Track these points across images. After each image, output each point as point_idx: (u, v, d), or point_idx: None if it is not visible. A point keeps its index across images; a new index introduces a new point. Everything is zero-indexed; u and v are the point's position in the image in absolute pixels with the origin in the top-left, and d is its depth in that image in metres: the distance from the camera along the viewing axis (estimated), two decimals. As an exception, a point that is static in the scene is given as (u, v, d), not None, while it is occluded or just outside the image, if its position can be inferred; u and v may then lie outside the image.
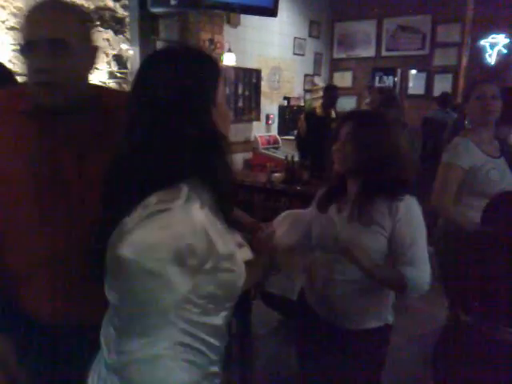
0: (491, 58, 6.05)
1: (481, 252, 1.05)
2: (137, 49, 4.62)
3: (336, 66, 7.37)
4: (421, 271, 1.39)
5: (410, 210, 1.43)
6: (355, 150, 1.45)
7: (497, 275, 0.99)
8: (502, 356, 1.00)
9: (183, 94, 0.88)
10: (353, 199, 1.48)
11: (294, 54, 6.75)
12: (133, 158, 0.88)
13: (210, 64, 0.94)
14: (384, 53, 6.79)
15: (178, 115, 0.87)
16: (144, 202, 0.83)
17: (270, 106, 6.42)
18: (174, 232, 0.81)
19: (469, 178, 2.14)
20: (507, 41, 5.93)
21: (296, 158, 4.44)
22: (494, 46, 6.04)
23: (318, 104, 5.03)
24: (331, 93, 4.66)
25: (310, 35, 6.97)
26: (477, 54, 6.04)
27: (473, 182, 2.13)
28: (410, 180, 1.48)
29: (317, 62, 7.22)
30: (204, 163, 0.88)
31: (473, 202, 2.10)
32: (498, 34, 5.94)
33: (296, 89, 6.92)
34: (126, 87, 4.61)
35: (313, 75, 7.16)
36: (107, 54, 4.50)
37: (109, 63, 4.55)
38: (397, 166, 1.44)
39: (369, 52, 6.91)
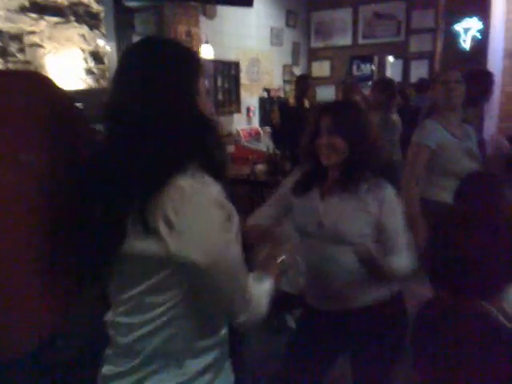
0: (465, 43, 6.14)
1: (452, 228, 1.08)
2: (113, 44, 4.56)
3: (314, 55, 7.39)
4: (405, 259, 1.46)
5: (393, 199, 1.49)
6: (344, 143, 1.47)
7: (469, 251, 1.03)
8: (474, 329, 1.04)
9: (167, 86, 0.90)
10: (339, 185, 1.50)
11: (272, 44, 6.76)
12: (127, 151, 0.89)
13: (190, 54, 0.98)
14: (361, 41, 6.84)
15: (167, 106, 0.89)
16: (167, 193, 0.86)
17: (250, 98, 6.42)
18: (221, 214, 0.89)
19: (436, 157, 2.25)
20: (480, 25, 6.02)
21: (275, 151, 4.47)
22: (467, 31, 6.12)
23: (291, 94, 5.05)
24: (303, 83, 4.67)
25: (286, 25, 6.98)
26: (451, 39, 6.12)
27: (441, 161, 2.26)
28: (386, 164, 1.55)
29: (295, 52, 7.23)
30: (201, 146, 0.92)
31: (444, 183, 2.22)
32: (471, 17, 6.03)
33: (275, 80, 6.93)
34: (104, 83, 4.56)
35: (291, 65, 7.18)
36: (83, 50, 4.44)
37: (85, 60, 4.49)
38: (376, 151, 1.49)
39: (346, 40, 6.96)
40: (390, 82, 4.29)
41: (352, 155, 1.47)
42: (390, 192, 1.49)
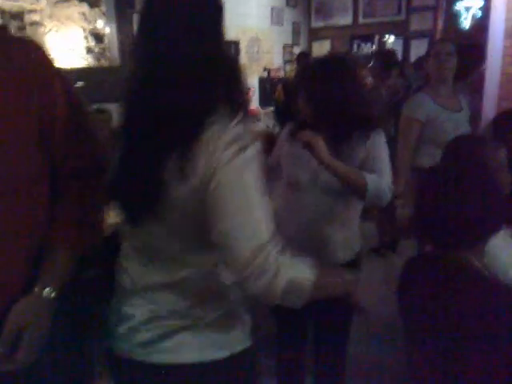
0: (466, 22, 6.12)
1: (440, 184, 1.15)
2: (113, 24, 4.58)
3: (314, 35, 7.37)
4: (382, 179, 1.53)
5: (380, 142, 1.60)
6: (305, 103, 1.60)
7: (454, 205, 1.10)
8: (457, 279, 1.12)
9: (201, 28, 0.93)
10: (329, 144, 1.58)
11: (272, 23, 6.74)
12: (166, 95, 0.90)
13: None
14: (361, 20, 6.81)
15: (202, 49, 0.92)
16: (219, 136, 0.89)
17: (250, 77, 6.42)
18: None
19: (426, 129, 2.34)
20: (481, 4, 5.99)
21: (277, 129, 4.53)
22: (468, 10, 6.09)
23: (293, 73, 5.10)
24: (303, 60, 4.71)
25: (287, 4, 6.95)
26: (452, 18, 6.10)
27: (431, 132, 2.33)
28: (375, 117, 1.64)
29: (295, 32, 7.21)
30: (233, 88, 0.96)
31: (434, 152, 2.27)
32: (472, -4, 6.00)
33: (276, 60, 6.93)
34: (104, 62, 4.60)
35: (292, 45, 7.16)
36: (84, 29, 4.46)
37: (86, 38, 4.51)
38: (361, 106, 1.57)
39: (346, 20, 6.93)
40: (390, 52, 4.41)
41: (321, 113, 1.57)
42: (378, 137, 1.59)
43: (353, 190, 1.54)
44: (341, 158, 1.53)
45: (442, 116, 2.36)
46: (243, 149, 0.90)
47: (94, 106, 3.18)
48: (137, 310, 1.04)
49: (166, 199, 0.92)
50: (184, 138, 0.90)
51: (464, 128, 2.39)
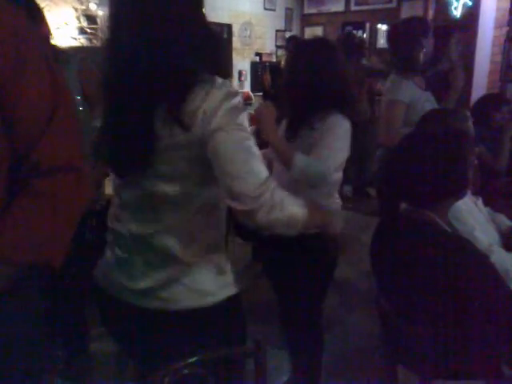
0: (457, 11, 6.18)
1: (407, 147, 1.24)
2: (106, 7, 4.59)
3: (307, 21, 7.40)
4: (318, 162, 1.54)
5: (331, 125, 1.60)
6: (286, 75, 1.67)
7: (419, 166, 1.19)
8: (423, 233, 1.22)
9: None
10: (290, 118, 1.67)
11: (265, 8, 6.76)
12: (157, 55, 0.98)
13: None
14: (353, 7, 6.85)
15: (189, 19, 1.02)
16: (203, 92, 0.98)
17: (242, 62, 6.47)
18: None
19: (408, 111, 2.39)
20: (472, -8, 6.05)
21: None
22: (459, -1, 6.16)
23: (283, 58, 5.16)
24: (293, 43, 4.76)
25: (280, -11, 6.98)
26: (442, 6, 6.16)
27: (411, 114, 2.39)
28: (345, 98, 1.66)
29: (288, 18, 7.24)
30: (215, 54, 1.06)
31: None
32: (463, -15, 6.06)
33: (268, 45, 6.97)
34: (97, 43, 4.62)
35: (284, 31, 7.20)
36: (76, 9, 4.48)
37: (78, 18, 4.53)
38: (331, 85, 1.62)
39: (338, 7, 6.97)
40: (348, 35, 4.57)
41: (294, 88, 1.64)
42: (334, 122, 1.60)
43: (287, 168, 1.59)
44: (299, 135, 1.63)
45: (422, 97, 2.43)
46: (234, 101, 1.01)
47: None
48: (131, 257, 1.13)
49: (160, 148, 1.01)
50: (178, 90, 0.99)
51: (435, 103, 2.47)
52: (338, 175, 1.68)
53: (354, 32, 6.67)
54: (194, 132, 0.99)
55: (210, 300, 1.11)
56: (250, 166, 1.00)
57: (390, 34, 2.68)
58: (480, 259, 1.18)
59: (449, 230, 1.26)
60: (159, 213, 1.09)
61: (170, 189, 1.06)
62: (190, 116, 0.98)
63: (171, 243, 1.09)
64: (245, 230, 1.11)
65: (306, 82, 1.60)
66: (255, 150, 1.03)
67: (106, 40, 1.06)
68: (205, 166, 1.02)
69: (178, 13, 1.01)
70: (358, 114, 4.15)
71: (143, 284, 1.11)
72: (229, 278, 1.18)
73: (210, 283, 1.13)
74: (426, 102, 2.42)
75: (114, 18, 1.05)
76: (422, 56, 2.44)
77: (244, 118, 1.03)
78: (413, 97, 2.41)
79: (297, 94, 1.63)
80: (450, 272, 1.12)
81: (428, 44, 2.46)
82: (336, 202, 1.74)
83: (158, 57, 0.98)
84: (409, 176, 1.24)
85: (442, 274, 1.13)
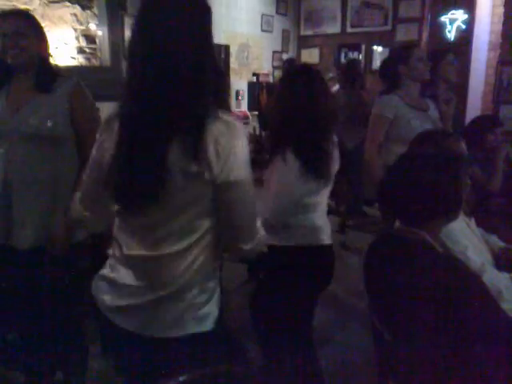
0: (451, 34, 6.29)
1: (401, 167, 1.26)
2: (105, 26, 4.65)
3: (303, 42, 7.51)
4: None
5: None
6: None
7: (412, 186, 1.20)
8: (414, 252, 1.22)
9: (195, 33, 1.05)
10: None
11: (262, 30, 6.87)
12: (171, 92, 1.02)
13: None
14: (349, 29, 6.96)
15: (198, 54, 1.05)
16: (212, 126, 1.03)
17: (239, 82, 6.53)
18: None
19: (393, 126, 2.46)
20: (466, 16, 6.17)
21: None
22: (453, 22, 6.27)
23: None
24: (289, 66, 4.84)
25: (277, 12, 7.09)
26: (437, 29, 6.27)
27: (397, 130, 2.46)
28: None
29: (285, 39, 7.35)
30: (222, 88, 1.12)
31: (395, 149, 2.39)
32: (457, 9, 6.18)
33: (265, 66, 7.05)
34: (95, 62, 4.67)
35: (281, 52, 7.29)
36: (75, 30, 4.54)
37: (77, 38, 4.58)
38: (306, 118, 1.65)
39: (334, 29, 7.08)
40: (353, 62, 4.67)
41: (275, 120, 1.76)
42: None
43: None
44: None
45: (409, 114, 2.49)
46: (244, 141, 1.08)
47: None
48: (131, 280, 1.14)
49: (170, 186, 1.04)
50: (192, 129, 1.02)
51: (430, 126, 2.51)
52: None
53: (350, 54, 6.80)
54: (207, 166, 1.03)
55: (207, 324, 1.15)
56: (254, 216, 1.15)
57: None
58: (472, 279, 1.18)
59: (440, 249, 1.26)
60: (163, 240, 1.12)
61: (175, 219, 1.09)
62: (205, 149, 1.02)
63: (171, 268, 1.11)
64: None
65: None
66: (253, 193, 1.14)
67: (129, 74, 1.08)
68: (209, 198, 1.08)
69: (202, 52, 1.06)
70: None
71: (144, 312, 1.13)
72: (217, 302, 1.20)
73: (205, 305, 1.15)
74: (415, 118, 2.47)
75: (137, 53, 1.06)
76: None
77: (248, 156, 1.10)
78: (398, 112, 2.48)
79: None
80: (441, 292, 1.12)
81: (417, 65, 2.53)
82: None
83: (182, 94, 1.03)
84: (402, 195, 1.25)
85: (432, 295, 1.12)
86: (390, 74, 2.64)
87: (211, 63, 1.08)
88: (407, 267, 1.20)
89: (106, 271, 1.20)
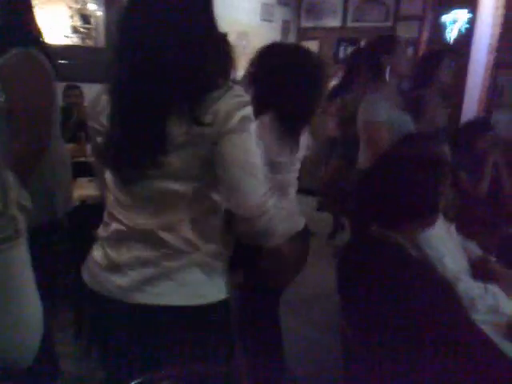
0: (451, 35, 6.25)
1: (378, 170, 1.24)
2: (101, 6, 4.58)
3: (303, 35, 7.44)
4: None
5: None
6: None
7: (389, 190, 1.19)
8: (389, 256, 1.21)
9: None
10: None
11: (262, 19, 6.79)
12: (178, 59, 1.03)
13: None
14: (350, 23, 6.91)
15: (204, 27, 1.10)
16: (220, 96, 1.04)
17: (237, 72, 6.47)
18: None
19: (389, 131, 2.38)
20: (468, 16, 6.12)
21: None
22: (454, 23, 6.23)
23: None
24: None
25: (278, 2, 7.01)
26: (437, 29, 6.23)
27: (390, 134, 2.37)
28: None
29: (285, 30, 7.27)
30: (226, 58, 1.22)
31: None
32: (459, 9, 6.12)
33: (263, 56, 6.97)
34: (90, 42, 4.60)
35: (280, 43, 7.22)
36: (70, 8, 4.46)
37: (72, 17, 4.50)
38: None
39: (335, 22, 7.02)
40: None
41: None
42: None
43: None
44: None
45: (398, 118, 2.42)
46: (248, 110, 1.07)
47: (65, 83, 3.20)
48: (125, 253, 1.13)
49: (173, 147, 1.04)
50: (200, 91, 1.04)
51: (410, 127, 2.44)
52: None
53: (350, 48, 6.74)
54: (210, 129, 1.02)
55: (199, 301, 1.12)
56: (256, 172, 1.05)
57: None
58: (442, 286, 1.17)
59: (414, 254, 1.25)
60: (165, 210, 1.10)
61: (181, 188, 1.07)
62: (208, 115, 1.02)
63: (174, 239, 1.10)
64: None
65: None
66: (260, 159, 1.08)
67: (119, 41, 1.08)
68: (211, 167, 1.06)
69: (204, 18, 1.10)
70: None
71: (133, 278, 1.11)
72: (221, 282, 1.18)
73: (203, 284, 1.13)
74: (403, 122, 2.41)
75: (131, 22, 1.07)
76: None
77: (253, 129, 1.08)
78: (390, 117, 2.39)
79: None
80: (409, 297, 1.11)
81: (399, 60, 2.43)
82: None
83: (184, 59, 1.03)
84: (379, 197, 1.24)
85: (401, 298, 1.12)
86: (373, 65, 2.46)
87: (213, 30, 1.11)
88: (378, 270, 1.19)
89: (96, 251, 1.20)
